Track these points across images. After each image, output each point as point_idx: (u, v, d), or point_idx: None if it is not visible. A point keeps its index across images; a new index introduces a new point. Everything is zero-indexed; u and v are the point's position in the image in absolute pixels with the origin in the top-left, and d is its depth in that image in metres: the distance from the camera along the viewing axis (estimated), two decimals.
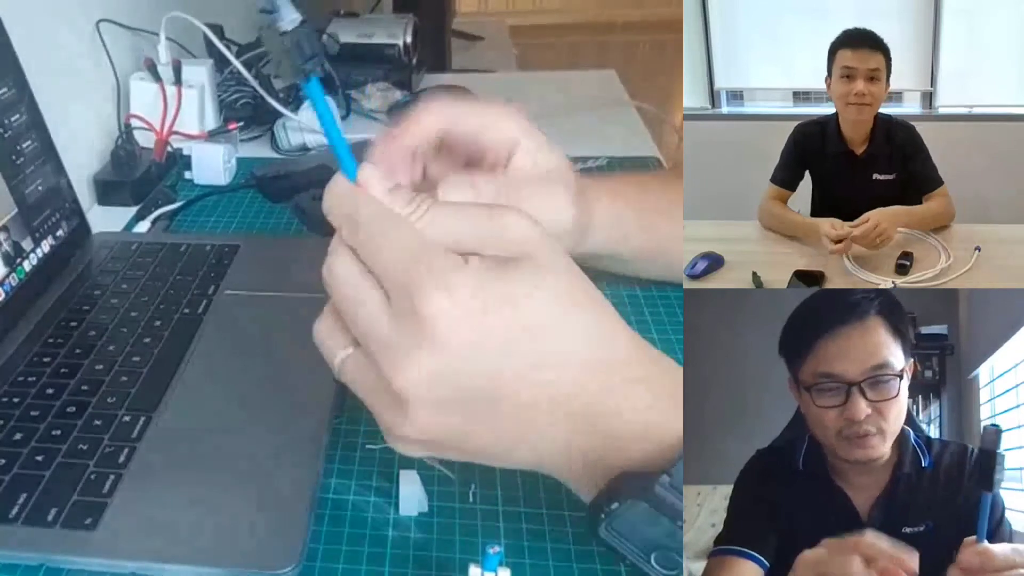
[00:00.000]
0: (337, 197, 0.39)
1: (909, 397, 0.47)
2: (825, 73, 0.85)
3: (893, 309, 0.47)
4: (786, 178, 0.88)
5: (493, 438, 0.39)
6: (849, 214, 0.78)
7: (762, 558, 0.46)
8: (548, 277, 0.38)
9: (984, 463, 0.39)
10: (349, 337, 0.39)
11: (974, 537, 0.39)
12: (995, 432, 0.40)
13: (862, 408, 0.45)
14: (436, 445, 0.40)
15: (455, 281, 0.36)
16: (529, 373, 0.37)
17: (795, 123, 0.89)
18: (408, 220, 0.38)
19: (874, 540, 0.40)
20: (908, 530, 0.39)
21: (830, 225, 0.77)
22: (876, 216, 0.77)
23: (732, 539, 0.47)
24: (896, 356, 0.46)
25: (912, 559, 0.39)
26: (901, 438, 0.48)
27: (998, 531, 0.46)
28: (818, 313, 0.48)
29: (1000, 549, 0.38)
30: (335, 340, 0.40)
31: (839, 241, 0.76)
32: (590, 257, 0.58)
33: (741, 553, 0.46)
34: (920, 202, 0.84)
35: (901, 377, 0.46)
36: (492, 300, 0.36)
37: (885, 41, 0.83)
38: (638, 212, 0.63)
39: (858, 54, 0.82)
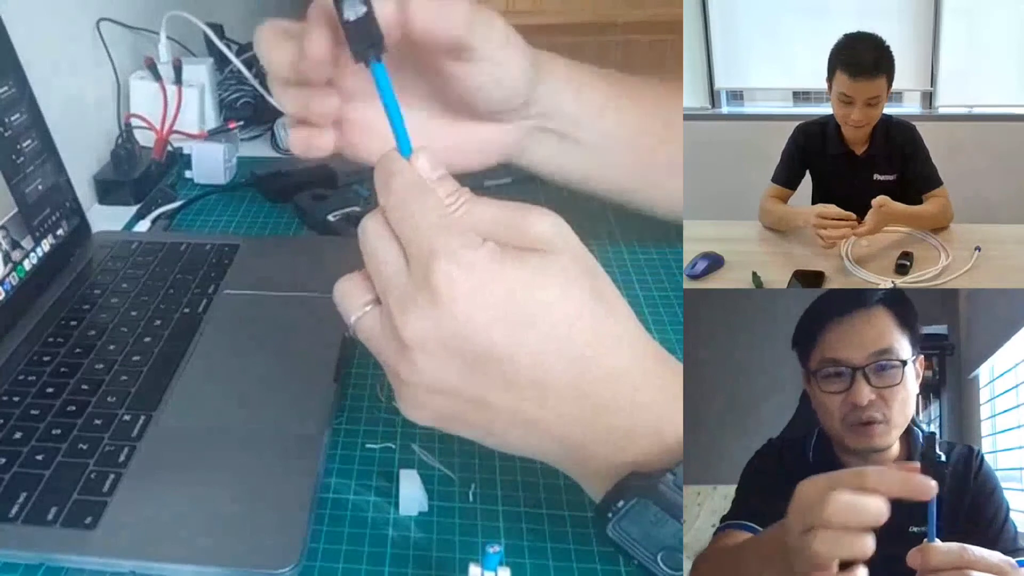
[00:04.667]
0: (382, 162, 0.41)
1: None
2: (826, 74, 0.85)
3: (899, 301, 0.48)
4: (787, 178, 0.88)
5: (491, 413, 0.40)
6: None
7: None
8: (562, 266, 0.39)
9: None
10: (368, 297, 0.41)
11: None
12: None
13: (865, 393, 0.46)
14: (440, 411, 0.41)
15: (467, 257, 0.38)
16: (528, 354, 0.38)
17: (795, 123, 0.89)
18: (437, 196, 0.40)
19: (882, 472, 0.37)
20: (915, 529, 0.38)
21: (824, 208, 0.77)
22: (873, 216, 0.76)
23: (736, 515, 0.48)
24: (901, 345, 0.47)
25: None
26: (910, 437, 0.48)
27: (1003, 532, 0.46)
28: (827, 305, 0.49)
29: (943, 547, 0.37)
30: (354, 298, 0.42)
31: (826, 218, 0.76)
32: (543, 121, 0.60)
33: (743, 526, 0.47)
34: (920, 202, 0.84)
35: (906, 365, 0.47)
36: (500, 278, 0.38)
37: (887, 42, 0.82)
38: (602, 81, 0.63)
39: (857, 84, 0.80)
